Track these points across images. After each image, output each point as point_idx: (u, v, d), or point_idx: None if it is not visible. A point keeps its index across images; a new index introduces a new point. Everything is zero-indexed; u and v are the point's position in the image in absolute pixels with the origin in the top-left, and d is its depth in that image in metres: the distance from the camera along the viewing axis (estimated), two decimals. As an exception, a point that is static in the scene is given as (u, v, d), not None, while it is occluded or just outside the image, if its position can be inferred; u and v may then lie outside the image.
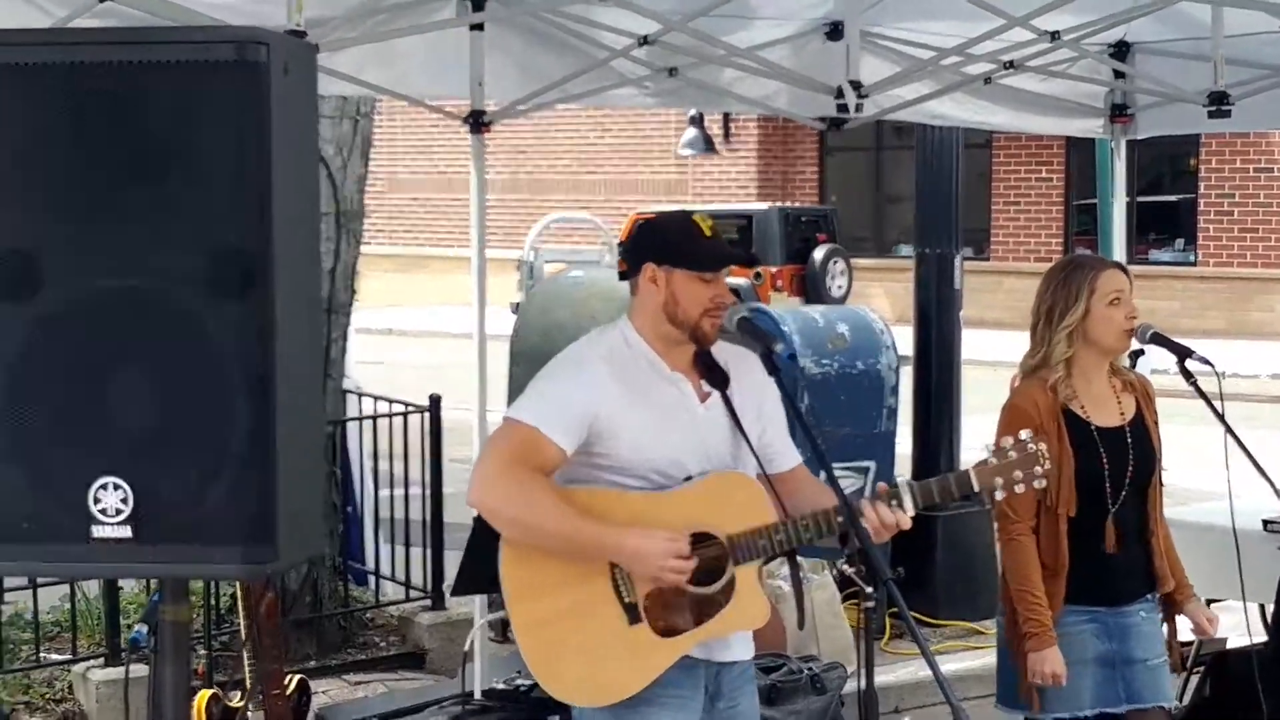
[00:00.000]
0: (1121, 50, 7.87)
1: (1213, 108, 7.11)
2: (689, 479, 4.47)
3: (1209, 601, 7.93)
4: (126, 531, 3.23)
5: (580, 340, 4.65)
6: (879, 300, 26.41)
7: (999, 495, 4.54)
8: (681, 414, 4.52)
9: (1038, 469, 4.53)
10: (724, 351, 4.64)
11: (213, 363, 3.18)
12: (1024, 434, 4.57)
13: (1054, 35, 7.00)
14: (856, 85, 6.84)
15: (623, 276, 4.66)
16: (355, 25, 6.43)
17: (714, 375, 4.59)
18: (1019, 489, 4.55)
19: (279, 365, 3.18)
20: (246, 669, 6.03)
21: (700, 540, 4.40)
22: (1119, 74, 7.96)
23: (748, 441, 4.56)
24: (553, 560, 4.33)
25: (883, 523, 4.43)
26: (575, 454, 4.38)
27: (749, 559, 4.44)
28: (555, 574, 4.33)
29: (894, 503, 4.47)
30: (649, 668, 4.39)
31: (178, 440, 3.20)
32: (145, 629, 3.65)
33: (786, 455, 4.72)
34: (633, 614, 4.36)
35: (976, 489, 4.52)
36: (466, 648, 5.91)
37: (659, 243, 4.57)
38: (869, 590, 4.22)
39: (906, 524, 4.46)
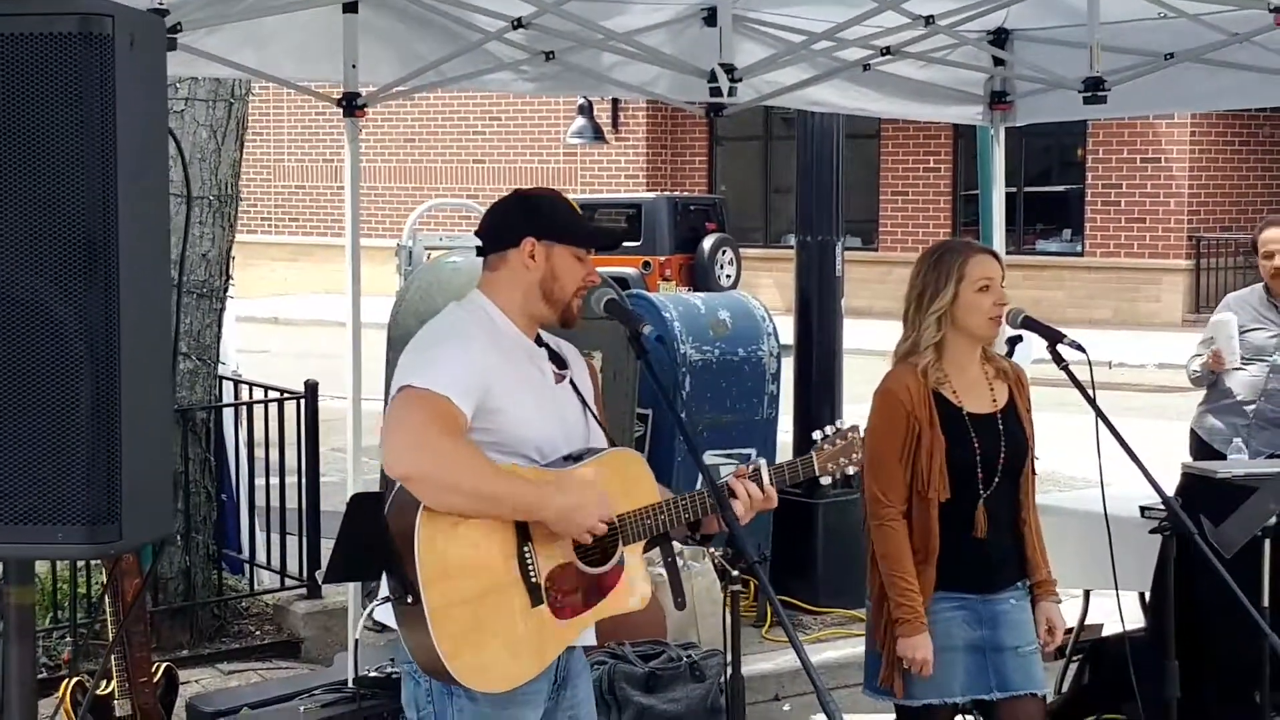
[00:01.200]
0: (1000, 37, 7.88)
1: (1088, 94, 7.12)
2: (569, 457, 4.44)
3: (1086, 592, 8.03)
4: (-34, 512, 3.15)
5: (449, 312, 4.55)
6: (768, 289, 26.50)
7: (825, 480, 4.67)
8: (547, 392, 4.50)
9: (854, 455, 4.66)
10: (552, 340, 4.65)
11: (55, 342, 3.10)
12: (840, 423, 4.71)
13: (928, 20, 7.00)
14: (729, 69, 6.80)
15: (479, 252, 4.57)
16: (228, 4, 6.33)
17: (557, 359, 4.60)
18: (838, 475, 4.66)
19: (124, 346, 3.10)
20: (113, 659, 5.93)
21: None
22: (998, 61, 7.97)
23: (599, 421, 4.57)
24: (470, 542, 4.24)
25: (752, 499, 4.44)
26: None
27: (636, 539, 4.43)
28: (469, 556, 4.25)
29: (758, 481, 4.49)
30: (546, 652, 4.37)
31: (19, 420, 3.12)
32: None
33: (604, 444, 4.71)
34: (535, 595, 4.32)
35: (816, 472, 4.64)
36: (357, 635, 5.81)
37: (541, 218, 4.51)
38: (734, 573, 4.20)
39: (774, 502, 4.49)
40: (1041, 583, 5.59)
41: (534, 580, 4.30)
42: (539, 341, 4.57)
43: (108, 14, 3.11)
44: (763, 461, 4.55)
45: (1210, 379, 8.34)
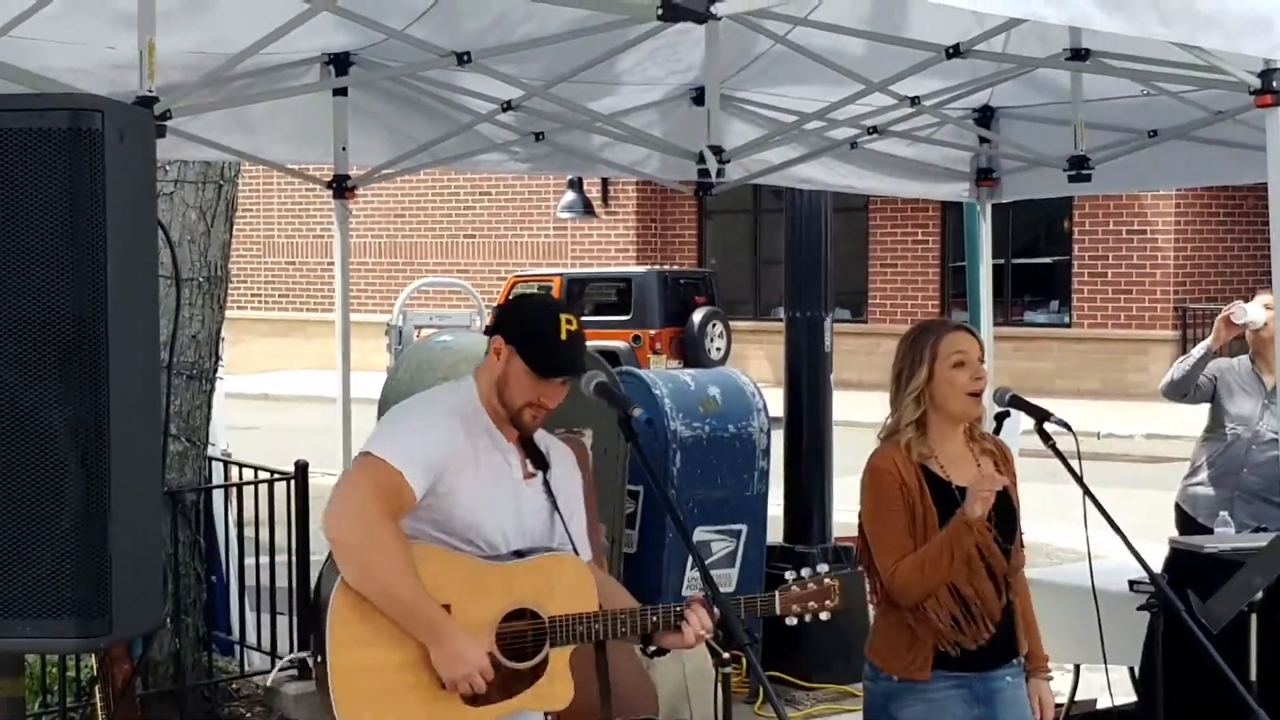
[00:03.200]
0: (986, 115, 7.94)
1: (1073, 172, 7.20)
2: (519, 553, 4.53)
3: (1077, 666, 8.02)
4: (-42, 607, 3.16)
5: (435, 390, 4.69)
6: (757, 362, 26.53)
7: (791, 621, 4.79)
8: (509, 485, 4.58)
9: (828, 602, 4.78)
10: (544, 439, 4.73)
11: (43, 436, 3.12)
12: (821, 568, 4.83)
13: (914, 100, 7.08)
14: (717, 150, 6.87)
15: (487, 332, 4.66)
16: (215, 90, 6.37)
17: (536, 457, 4.66)
18: (808, 618, 4.79)
19: (113, 438, 3.13)
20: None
21: (522, 615, 4.48)
22: (984, 139, 8.03)
23: (564, 525, 4.62)
24: (381, 617, 4.34)
25: (702, 626, 4.55)
26: None
27: (565, 642, 4.52)
28: (381, 630, 4.34)
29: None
30: None
31: (9, 516, 3.12)
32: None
33: (583, 550, 4.77)
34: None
35: (778, 613, 4.77)
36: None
37: (515, 324, 4.61)
38: (725, 655, 4.24)
39: (710, 626, 4.58)
40: (1033, 657, 5.59)
41: None
42: (524, 436, 4.61)
43: (97, 109, 3.16)
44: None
45: (1203, 364, 8.25)
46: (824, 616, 4.75)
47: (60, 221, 3.14)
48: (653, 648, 4.57)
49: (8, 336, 3.13)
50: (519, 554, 4.52)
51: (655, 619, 4.50)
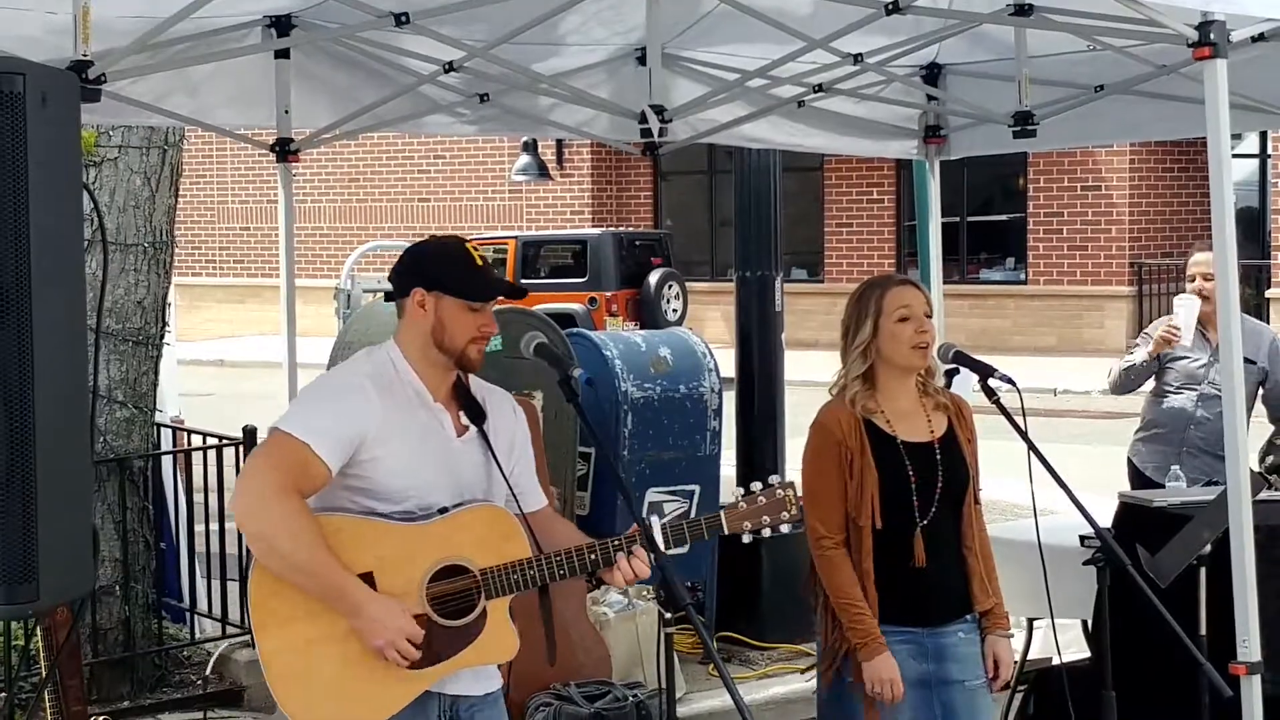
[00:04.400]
0: (933, 72, 7.90)
1: (1017, 128, 7.18)
2: (443, 510, 4.47)
3: (1031, 620, 8.04)
4: (-121, 574, 3.12)
5: (350, 360, 4.63)
6: (714, 323, 26.53)
7: (746, 539, 4.64)
8: (438, 445, 4.52)
9: (784, 514, 4.63)
10: (481, 388, 4.68)
11: (-32, 403, 3.08)
12: (774, 479, 4.68)
13: (857, 58, 7.05)
14: (659, 109, 6.83)
15: (388, 298, 4.62)
16: (155, 54, 6.29)
17: (472, 409, 4.61)
18: (766, 532, 4.64)
19: (37, 400, 3.09)
20: (48, 711, 5.87)
21: (453, 572, 4.42)
22: (931, 96, 8.00)
23: (504, 477, 4.58)
24: (298, 591, 4.30)
25: (629, 575, 4.48)
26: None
27: (501, 593, 4.45)
28: (305, 603, 4.30)
29: (637, 544, 4.50)
30: (393, 699, 4.39)
31: (-68, 481, 3.09)
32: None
33: (533, 495, 4.75)
34: None
35: (726, 531, 4.62)
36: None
37: (429, 269, 4.56)
38: (669, 616, 4.20)
39: (645, 573, 4.50)
40: (988, 614, 5.60)
41: None
42: (459, 388, 4.57)
43: (19, 72, 3.11)
44: (654, 519, 4.57)
45: (1147, 372, 8.36)
46: (784, 529, 4.63)
47: (-21, 183, 3.10)
48: (596, 579, 4.52)
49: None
50: (444, 511, 4.46)
51: (594, 557, 4.45)
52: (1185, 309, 8.20)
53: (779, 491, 4.62)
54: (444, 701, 4.51)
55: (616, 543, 4.47)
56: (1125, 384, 8.54)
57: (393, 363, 4.51)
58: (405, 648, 4.30)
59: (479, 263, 4.54)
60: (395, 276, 4.61)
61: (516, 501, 4.57)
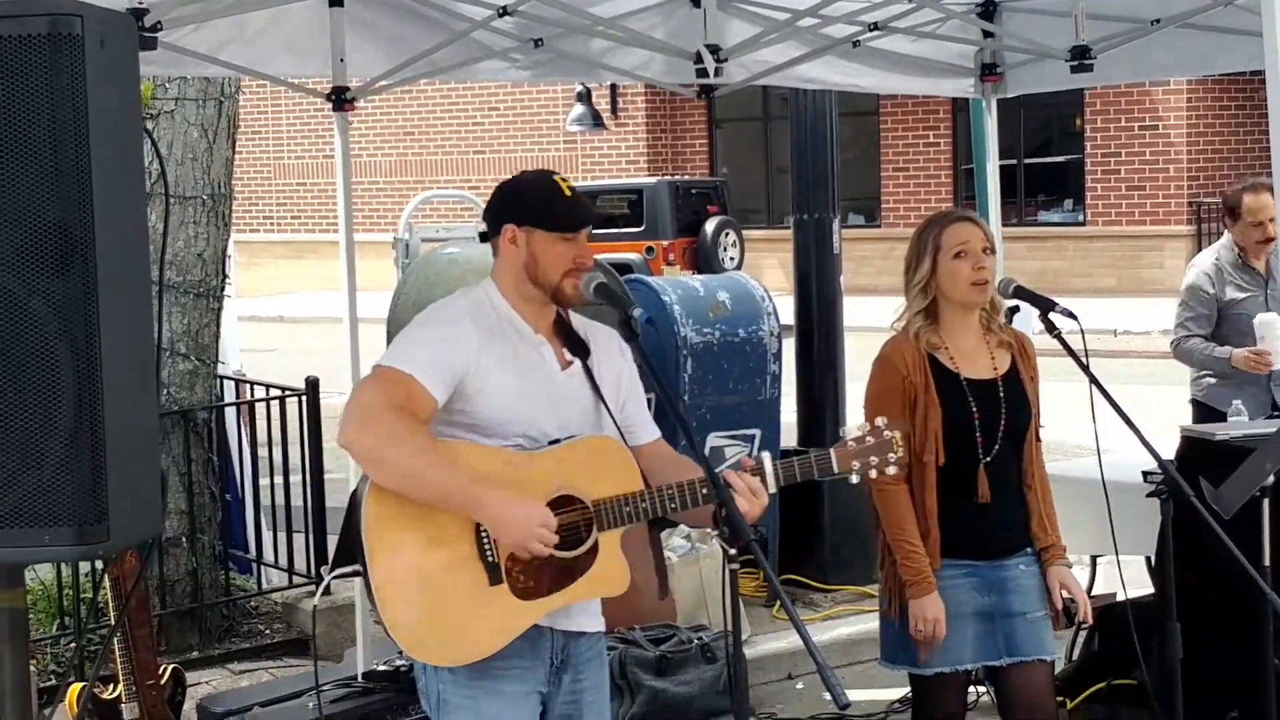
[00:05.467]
0: (989, 9, 7.86)
1: (1074, 62, 7.14)
2: (554, 441, 4.43)
3: (1094, 558, 8.02)
4: (-45, 517, 3.15)
5: (445, 299, 4.59)
6: (771, 270, 26.47)
7: (854, 479, 4.55)
8: (542, 378, 4.48)
9: (890, 455, 4.54)
10: (584, 326, 4.64)
11: (36, 342, 3.11)
12: (880, 421, 4.59)
13: (913, -6, 7.03)
14: (714, 49, 6.81)
15: (483, 238, 4.62)
16: (210, 2, 6.31)
17: (575, 344, 4.57)
18: (873, 474, 4.55)
19: (104, 343, 3.11)
20: (118, 661, 5.93)
21: (565, 503, 4.36)
22: (987, 33, 7.96)
23: (609, 411, 4.53)
24: (418, 517, 4.24)
25: (752, 491, 4.36)
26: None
27: (613, 525, 4.40)
28: (420, 531, 4.25)
29: (756, 477, 4.43)
30: (507, 629, 4.35)
31: (3, 422, 3.11)
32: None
33: (645, 429, 4.69)
34: (494, 575, 4.30)
35: (836, 471, 4.53)
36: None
37: (518, 204, 4.53)
38: (732, 552, 4.17)
39: (765, 500, 4.40)
40: (1049, 548, 5.61)
41: (491, 560, 4.29)
42: (561, 325, 4.56)
43: (76, 14, 3.12)
44: (766, 456, 4.48)
45: (1221, 370, 8.27)
46: (890, 471, 4.55)
47: (42, 128, 3.10)
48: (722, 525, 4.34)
49: (5, 241, 3.10)
50: (554, 443, 4.41)
51: (706, 491, 4.33)
52: (1268, 329, 8.06)
53: (886, 433, 4.54)
54: (556, 639, 4.49)
55: (724, 480, 4.40)
56: (1190, 363, 8.45)
57: (490, 299, 4.48)
58: (549, 538, 4.23)
59: (568, 193, 4.50)
60: (487, 215, 4.60)
61: (623, 437, 4.53)
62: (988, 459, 5.47)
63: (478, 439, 4.36)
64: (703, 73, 6.85)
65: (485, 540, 4.30)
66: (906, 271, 5.57)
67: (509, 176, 4.78)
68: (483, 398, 4.35)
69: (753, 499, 4.34)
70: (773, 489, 4.43)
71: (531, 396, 4.43)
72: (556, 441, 4.42)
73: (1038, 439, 5.66)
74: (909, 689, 7.29)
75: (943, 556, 5.43)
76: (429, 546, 4.27)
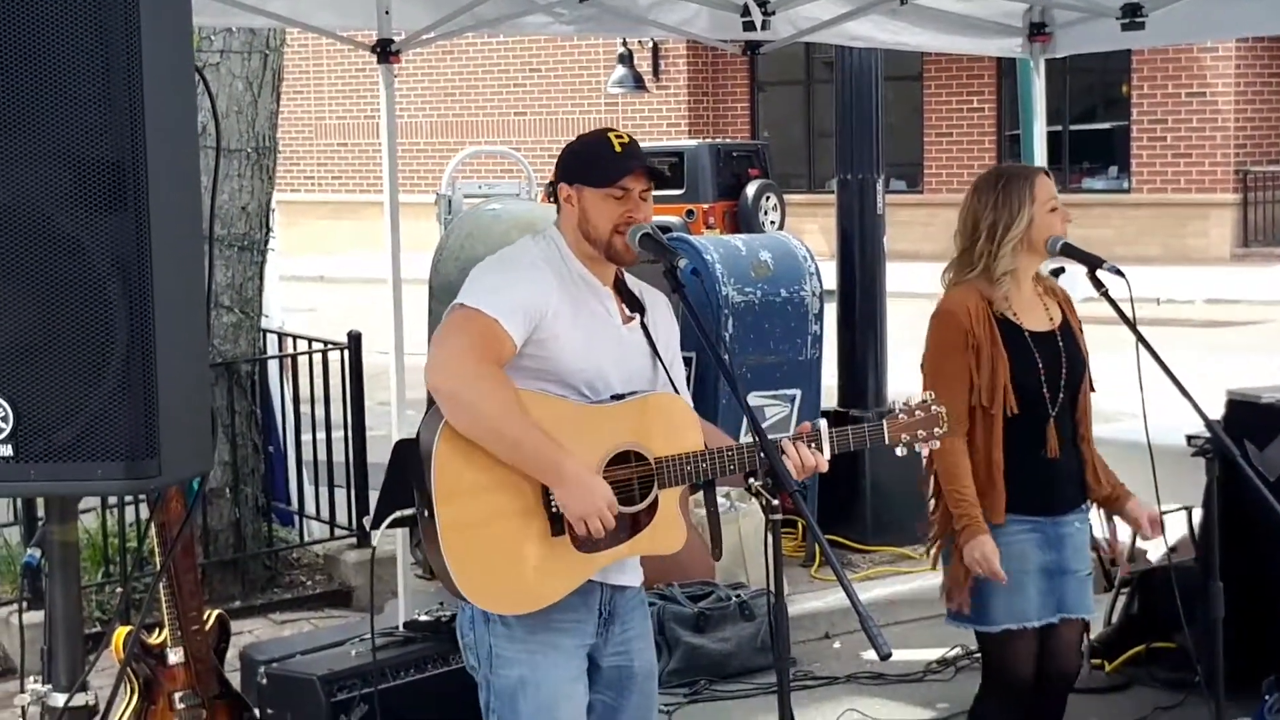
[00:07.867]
0: (1039, -33, 7.82)
1: (1126, 20, 7.08)
2: (619, 396, 4.45)
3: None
4: (8, 450, 3.16)
5: (518, 243, 4.60)
6: (812, 235, 26.41)
7: (900, 451, 4.63)
8: (609, 330, 4.51)
9: (936, 430, 4.64)
10: (637, 285, 4.67)
11: (89, 277, 3.11)
12: (927, 396, 4.69)
13: (963, -50, 6.97)
14: (762, 2, 6.77)
15: (549, 195, 4.63)
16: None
17: (633, 302, 4.60)
18: (919, 447, 4.64)
19: (156, 281, 3.12)
20: (164, 607, 5.95)
21: (631, 458, 4.39)
22: (1036, -8, 7.91)
23: (665, 368, 4.56)
24: (487, 463, 4.25)
25: (803, 462, 4.44)
26: None
27: (673, 483, 4.43)
28: (488, 477, 4.26)
29: (812, 445, 4.49)
30: (568, 580, 4.36)
31: (57, 356, 3.13)
32: (39, 553, 3.58)
33: (684, 395, 4.70)
34: (557, 525, 4.31)
35: (887, 441, 4.62)
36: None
37: (571, 162, 4.57)
38: (775, 502, 4.19)
39: (824, 467, 4.50)
40: (1114, 488, 5.63)
41: (555, 510, 4.30)
42: (618, 281, 4.59)
43: (128, -48, 3.12)
44: (823, 423, 4.53)
45: None
46: (934, 446, 4.63)
47: (95, 72, 3.11)
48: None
49: (51, 181, 3.11)
50: (617, 397, 4.44)
51: (763, 455, 4.34)
52: None
53: (934, 408, 4.64)
54: (605, 593, 4.51)
55: (779, 445, 4.43)
56: None
57: (558, 247, 4.52)
58: (608, 519, 4.26)
59: (617, 149, 4.52)
60: (553, 178, 4.63)
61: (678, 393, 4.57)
62: (1054, 412, 5.45)
63: (542, 385, 4.37)
64: (749, 26, 6.81)
65: (549, 491, 4.31)
66: (990, 228, 5.43)
67: (549, 139, 4.80)
68: (556, 343, 4.37)
69: (801, 471, 4.43)
70: (828, 457, 4.50)
71: (599, 347, 4.45)
72: (620, 396, 4.45)
73: (1092, 388, 5.64)
74: (946, 649, 7.31)
75: (1008, 512, 5.41)
76: (496, 492, 4.28)
